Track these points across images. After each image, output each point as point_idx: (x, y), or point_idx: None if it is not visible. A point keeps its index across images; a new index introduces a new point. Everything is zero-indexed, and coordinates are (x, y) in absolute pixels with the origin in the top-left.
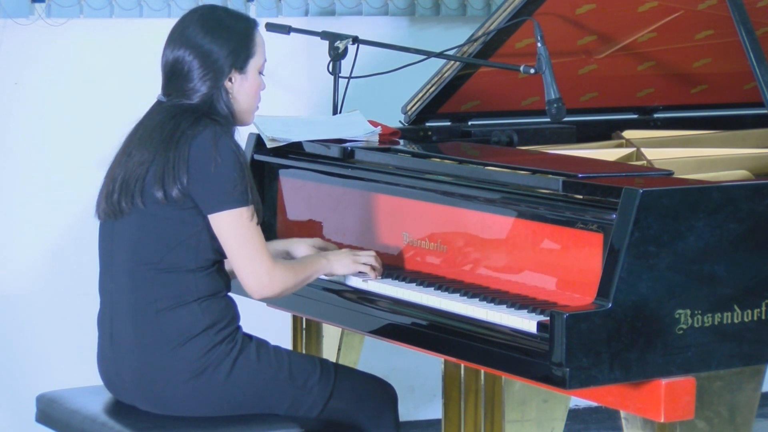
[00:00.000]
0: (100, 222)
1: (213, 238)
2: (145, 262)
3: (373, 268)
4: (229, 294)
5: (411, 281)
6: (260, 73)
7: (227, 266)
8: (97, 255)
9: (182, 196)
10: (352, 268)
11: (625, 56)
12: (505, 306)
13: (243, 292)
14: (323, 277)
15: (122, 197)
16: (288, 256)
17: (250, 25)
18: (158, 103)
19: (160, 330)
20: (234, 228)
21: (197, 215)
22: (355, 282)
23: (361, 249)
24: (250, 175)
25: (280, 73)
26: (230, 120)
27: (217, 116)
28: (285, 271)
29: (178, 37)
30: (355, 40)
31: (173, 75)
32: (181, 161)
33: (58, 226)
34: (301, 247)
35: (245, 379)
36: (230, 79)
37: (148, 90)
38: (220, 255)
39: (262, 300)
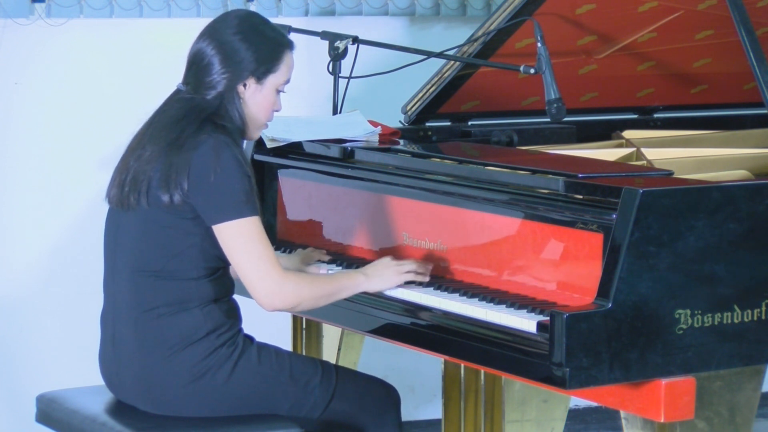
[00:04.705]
0: (109, 208)
1: (215, 247)
2: (146, 269)
3: (418, 274)
4: (233, 297)
5: (411, 281)
6: (280, 91)
7: (233, 273)
8: (97, 252)
9: (183, 203)
10: (395, 281)
11: (625, 56)
12: (504, 306)
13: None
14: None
15: (131, 192)
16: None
17: (283, 41)
18: (176, 91)
19: (161, 334)
20: (236, 238)
21: (198, 225)
22: None
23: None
24: (255, 186)
25: None
26: (240, 127)
27: (226, 122)
28: (299, 282)
29: (209, 30)
30: (355, 40)
31: (194, 65)
32: (183, 168)
33: (58, 226)
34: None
35: (246, 381)
36: (245, 85)
37: (149, 90)
38: (223, 263)
39: (277, 311)
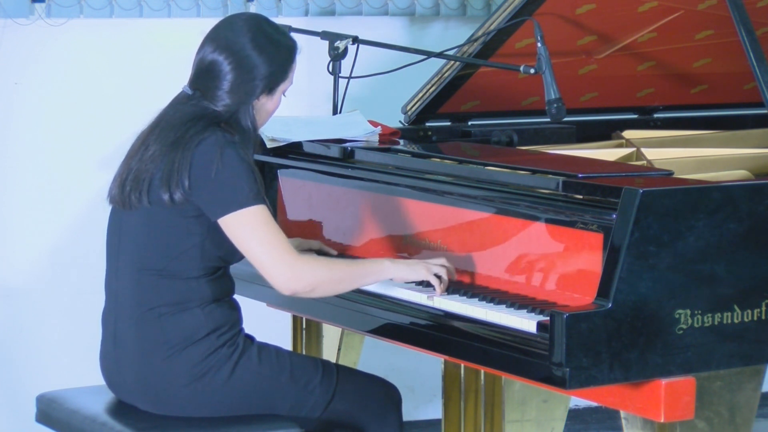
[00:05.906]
0: (112, 207)
1: (217, 246)
2: (149, 268)
3: (440, 281)
4: (234, 297)
5: (410, 281)
6: (282, 94)
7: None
8: (97, 252)
9: (185, 201)
10: (422, 275)
11: (625, 56)
12: (504, 306)
13: (252, 295)
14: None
15: (133, 191)
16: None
17: (294, 48)
18: (184, 96)
19: (162, 334)
20: (244, 227)
21: (201, 224)
22: None
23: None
24: (260, 179)
25: None
26: (250, 135)
27: (235, 130)
28: (314, 264)
29: (222, 39)
30: (355, 40)
31: (206, 74)
32: (184, 166)
33: (58, 225)
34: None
35: (246, 381)
36: (258, 98)
37: (148, 90)
38: (224, 262)
39: (296, 295)
